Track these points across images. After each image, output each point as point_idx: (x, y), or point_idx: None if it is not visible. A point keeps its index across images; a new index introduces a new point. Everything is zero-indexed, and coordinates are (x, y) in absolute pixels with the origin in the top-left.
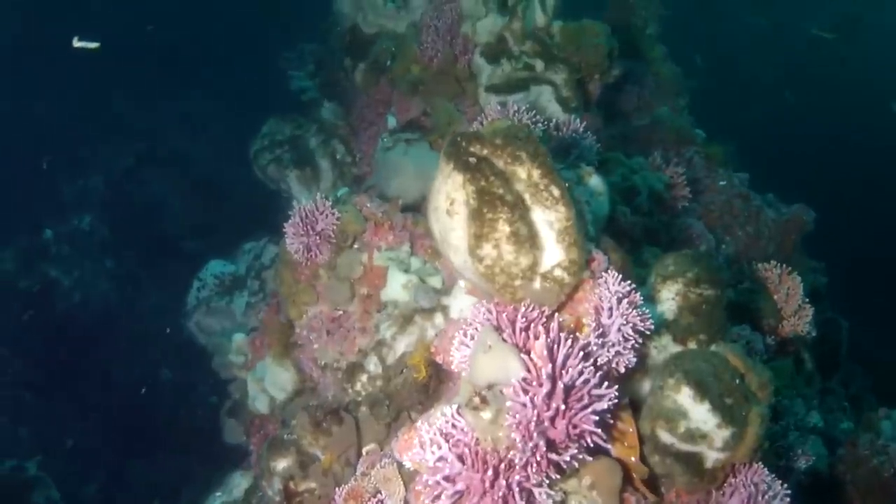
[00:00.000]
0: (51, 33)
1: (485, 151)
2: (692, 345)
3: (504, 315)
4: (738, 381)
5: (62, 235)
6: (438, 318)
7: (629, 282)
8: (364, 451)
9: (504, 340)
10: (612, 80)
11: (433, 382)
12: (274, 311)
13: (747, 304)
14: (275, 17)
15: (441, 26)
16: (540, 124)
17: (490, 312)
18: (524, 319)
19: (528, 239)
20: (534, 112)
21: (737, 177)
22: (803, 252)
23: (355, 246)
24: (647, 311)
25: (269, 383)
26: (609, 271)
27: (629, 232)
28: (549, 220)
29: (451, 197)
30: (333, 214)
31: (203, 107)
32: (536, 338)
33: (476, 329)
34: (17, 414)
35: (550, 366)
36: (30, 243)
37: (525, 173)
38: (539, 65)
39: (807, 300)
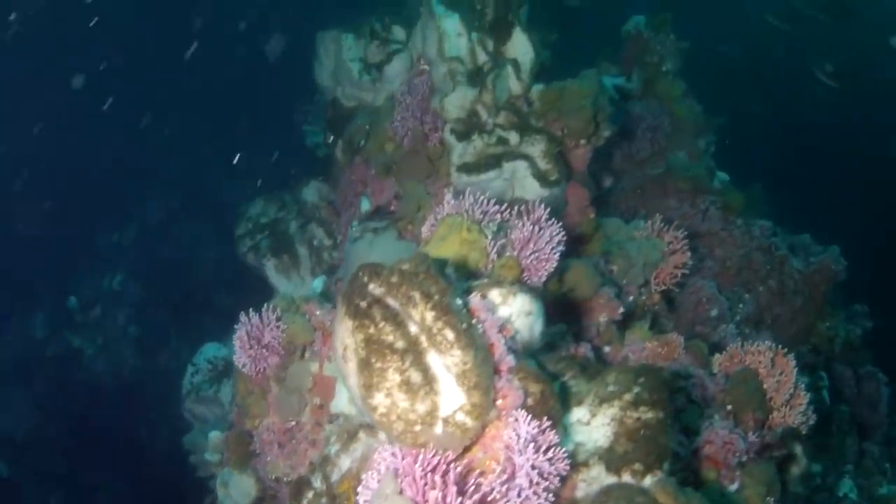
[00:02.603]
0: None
1: (382, 290)
2: (627, 476)
3: (406, 460)
4: None
5: (90, 300)
6: (382, 435)
7: (545, 418)
8: None
9: (402, 489)
10: (604, 143)
11: None
12: (240, 414)
13: (732, 394)
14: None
15: (411, 102)
16: (499, 214)
17: (394, 456)
18: (421, 469)
19: (422, 386)
20: (493, 200)
21: (758, 226)
22: (836, 302)
23: (306, 355)
24: (565, 449)
25: (233, 489)
26: (521, 410)
27: (611, 314)
28: (446, 364)
29: (344, 342)
30: (279, 328)
31: (240, 154)
32: (433, 488)
33: (382, 471)
34: (47, 481)
35: None
36: (56, 310)
37: (419, 315)
38: (513, 138)
39: (802, 384)
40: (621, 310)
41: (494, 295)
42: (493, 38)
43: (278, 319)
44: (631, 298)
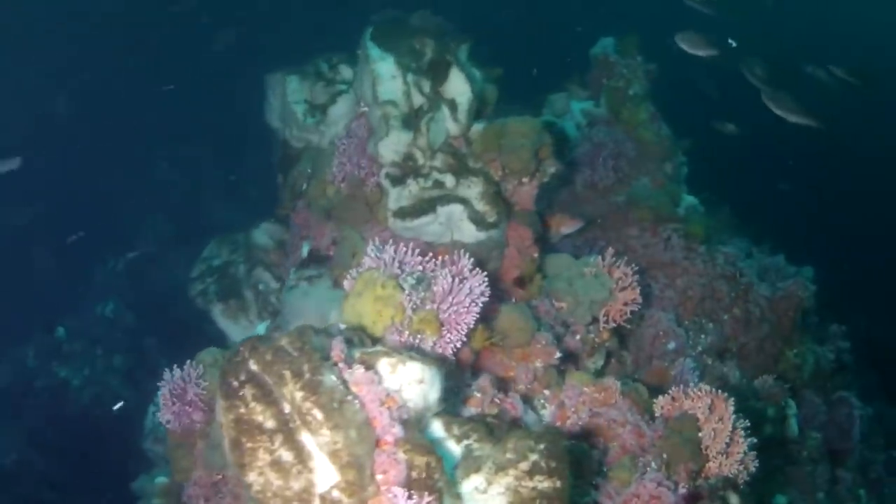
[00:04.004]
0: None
1: (258, 367)
2: None
3: None
4: None
5: (80, 330)
6: None
7: (426, 493)
8: None
9: None
10: (548, 179)
11: None
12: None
13: (666, 443)
14: None
15: (348, 145)
16: (420, 266)
17: None
18: None
19: (294, 464)
20: (416, 251)
21: (722, 253)
22: (807, 327)
23: None
24: None
25: None
26: (401, 485)
27: (547, 359)
28: (318, 442)
29: (219, 419)
30: (199, 385)
31: (245, 175)
32: None
33: None
34: None
35: None
36: (44, 341)
37: (289, 394)
38: (449, 180)
39: (742, 430)
40: (558, 355)
41: (383, 365)
42: (431, 78)
43: (200, 376)
44: (578, 337)
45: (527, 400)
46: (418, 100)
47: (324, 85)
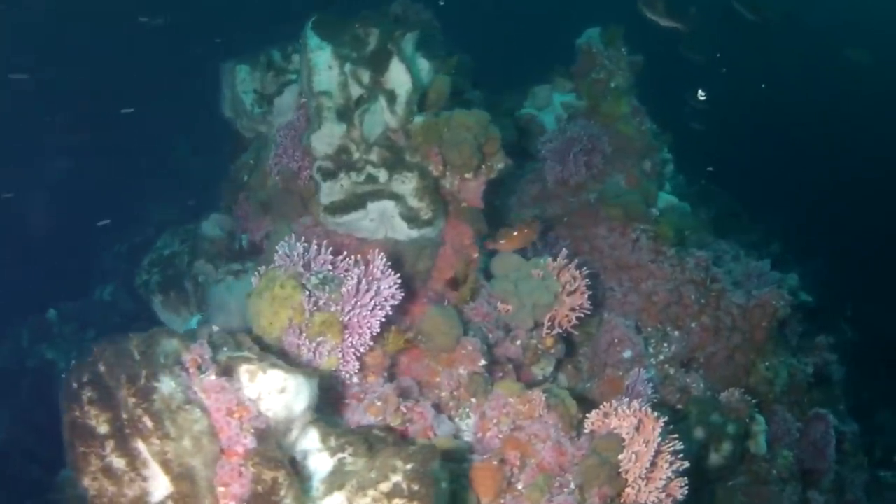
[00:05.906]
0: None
1: (104, 369)
2: None
3: None
4: None
5: (73, 313)
6: None
7: None
8: None
9: None
10: (496, 175)
11: None
12: None
13: (583, 464)
14: None
15: (285, 137)
16: (329, 265)
17: None
18: None
19: (127, 472)
20: (329, 249)
21: (694, 257)
22: (780, 340)
23: None
24: None
25: None
26: (241, 501)
27: (471, 366)
28: (150, 451)
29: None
30: None
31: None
32: None
33: None
34: (24, 488)
35: None
36: (37, 323)
37: (124, 399)
38: (383, 175)
39: (669, 454)
40: (482, 362)
41: (243, 371)
42: (372, 69)
43: None
44: (519, 343)
45: (451, 409)
46: (356, 91)
47: (273, 74)
